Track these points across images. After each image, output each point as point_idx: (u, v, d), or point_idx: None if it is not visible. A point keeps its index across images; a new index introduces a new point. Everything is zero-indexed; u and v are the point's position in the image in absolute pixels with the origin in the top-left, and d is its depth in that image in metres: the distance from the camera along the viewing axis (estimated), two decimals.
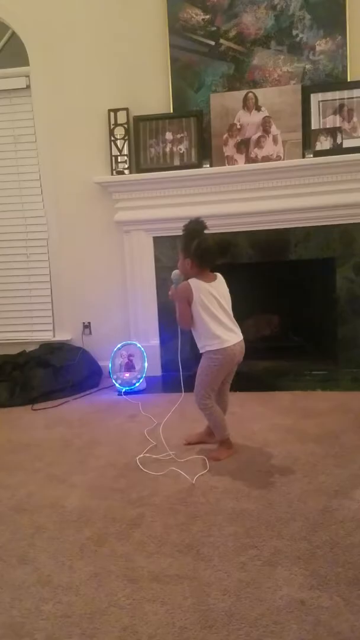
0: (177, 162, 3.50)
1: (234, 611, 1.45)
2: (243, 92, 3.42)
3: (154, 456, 2.41)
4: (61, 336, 3.83)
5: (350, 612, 1.41)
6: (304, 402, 3.07)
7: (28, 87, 3.70)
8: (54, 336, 3.86)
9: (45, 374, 3.47)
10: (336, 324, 3.59)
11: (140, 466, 2.33)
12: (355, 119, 3.41)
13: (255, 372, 3.53)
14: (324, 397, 3.14)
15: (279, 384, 3.35)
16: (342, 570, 1.58)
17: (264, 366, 3.65)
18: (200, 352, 2.38)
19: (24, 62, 3.68)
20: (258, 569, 1.62)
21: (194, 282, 2.33)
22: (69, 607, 1.51)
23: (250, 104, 3.41)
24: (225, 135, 3.41)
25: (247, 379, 3.28)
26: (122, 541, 1.82)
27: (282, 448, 2.47)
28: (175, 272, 2.41)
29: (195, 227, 2.35)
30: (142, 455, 2.42)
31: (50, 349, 3.70)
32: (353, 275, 3.51)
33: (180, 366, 2.56)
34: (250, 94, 3.41)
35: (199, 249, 2.32)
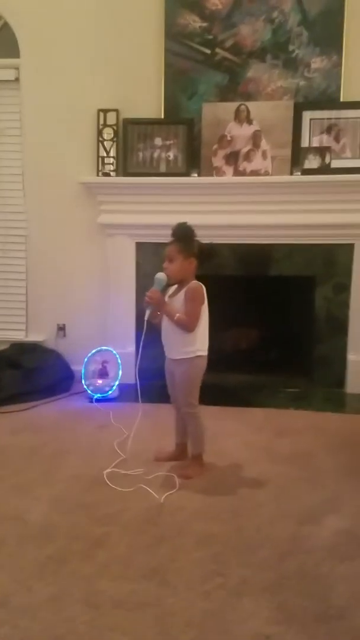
0: (164, 169, 3.45)
1: None
2: (236, 104, 3.39)
3: (123, 471, 2.34)
4: (34, 337, 3.74)
5: None
6: (277, 420, 3.04)
7: (17, 79, 3.61)
8: (26, 336, 3.76)
9: (14, 375, 3.37)
10: (313, 342, 3.58)
11: (108, 481, 2.26)
12: (344, 140, 3.42)
13: (230, 386, 3.50)
14: (297, 415, 3.12)
15: (252, 400, 3.33)
16: (309, 604, 1.55)
17: (239, 380, 3.63)
18: (184, 357, 2.32)
19: (14, 53, 3.58)
20: (223, 599, 1.58)
21: (202, 285, 2.31)
22: (25, 632, 1.44)
23: (242, 117, 3.39)
24: (215, 146, 3.37)
25: (221, 393, 3.26)
26: (85, 562, 1.75)
27: (253, 468, 2.43)
28: (161, 274, 2.32)
29: (191, 229, 2.32)
30: (110, 469, 2.35)
31: (22, 349, 3.60)
32: (332, 295, 3.51)
33: (137, 376, 2.51)
34: (242, 106, 3.38)
35: (201, 249, 2.30)
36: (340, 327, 3.51)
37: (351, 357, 3.53)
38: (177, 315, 2.27)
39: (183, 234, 2.31)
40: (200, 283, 2.33)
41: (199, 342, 2.32)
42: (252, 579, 1.67)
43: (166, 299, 2.36)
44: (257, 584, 1.65)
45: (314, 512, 2.06)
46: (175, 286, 2.36)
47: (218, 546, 1.84)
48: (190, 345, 2.31)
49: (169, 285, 2.36)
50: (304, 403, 3.32)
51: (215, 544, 1.85)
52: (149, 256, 3.53)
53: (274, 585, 1.64)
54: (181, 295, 2.31)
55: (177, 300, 2.32)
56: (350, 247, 3.43)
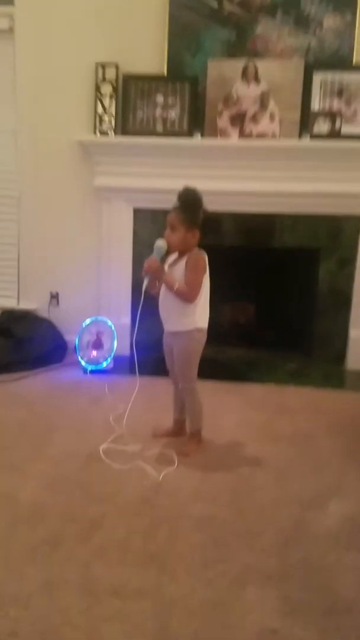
0: (166, 129, 3.26)
1: (200, 638, 1.32)
2: (243, 62, 3.20)
3: (119, 447, 2.25)
4: (26, 304, 3.60)
5: None
6: (276, 396, 2.96)
7: (11, 29, 3.38)
8: (18, 304, 3.62)
9: (4, 344, 3.24)
10: (314, 316, 3.48)
11: (104, 457, 2.17)
12: (355, 105, 3.25)
13: (227, 361, 3.41)
14: (296, 392, 3.04)
15: (251, 375, 3.23)
16: (316, 596, 1.47)
17: (236, 355, 3.54)
18: (182, 329, 2.20)
19: (9, 0, 3.34)
20: (226, 588, 1.50)
21: (205, 254, 2.17)
22: (17, 623, 1.35)
23: (249, 76, 3.20)
24: (220, 106, 3.19)
25: (218, 368, 3.16)
26: (80, 545, 1.66)
27: (253, 447, 2.35)
28: (161, 241, 2.17)
29: (199, 197, 2.16)
30: (106, 445, 2.25)
31: (13, 317, 3.46)
32: (336, 269, 3.39)
33: (134, 349, 2.39)
34: (250, 65, 3.19)
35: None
36: (343, 302, 3.41)
37: (353, 333, 3.43)
38: (177, 284, 2.14)
39: (190, 201, 2.15)
40: (203, 251, 2.19)
41: (199, 314, 2.20)
42: (256, 566, 1.59)
43: (165, 267, 2.22)
44: (260, 572, 1.57)
45: (317, 496, 1.98)
46: (176, 254, 2.22)
47: (219, 530, 1.76)
48: (189, 316, 2.19)
49: (169, 253, 2.22)
50: (304, 379, 3.23)
51: (215, 528, 1.77)
52: (146, 223, 3.38)
53: (278, 574, 1.56)
54: (182, 264, 2.18)
55: (177, 270, 2.19)
56: (358, 218, 3.30)
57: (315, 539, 1.73)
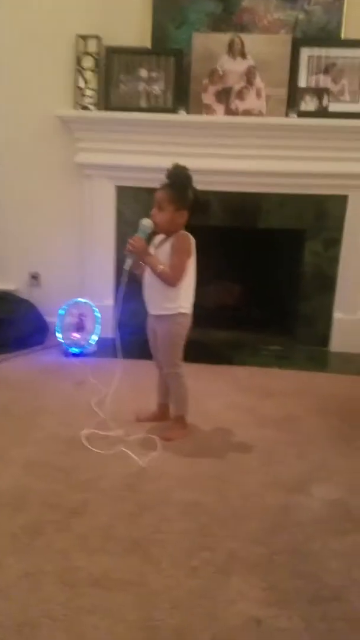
0: (150, 104, 3.16)
1: (184, 629, 1.29)
2: (229, 36, 3.10)
3: (102, 432, 2.20)
4: (4, 285, 3.50)
5: (310, 637, 1.28)
6: (261, 379, 2.93)
7: None
8: None
9: None
10: (299, 298, 3.45)
11: (86, 443, 2.12)
12: (343, 81, 3.17)
13: (212, 343, 3.37)
14: (281, 375, 3.02)
15: (235, 358, 3.20)
16: (302, 584, 1.45)
17: (221, 337, 3.50)
18: (165, 313, 2.14)
19: None
20: (211, 577, 1.47)
21: (191, 237, 2.11)
22: None
23: (235, 50, 3.10)
24: (206, 81, 3.10)
25: (203, 350, 3.12)
26: (61, 533, 1.62)
27: (238, 431, 2.32)
28: (148, 221, 2.10)
29: (189, 175, 2.09)
30: (88, 430, 2.20)
31: None
32: (322, 250, 3.35)
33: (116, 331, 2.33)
34: (236, 39, 3.10)
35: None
36: (328, 284, 3.38)
37: (337, 315, 3.41)
38: (161, 267, 2.07)
39: (179, 180, 2.08)
40: (189, 234, 2.12)
41: (182, 299, 2.14)
42: (241, 553, 1.57)
43: (151, 249, 2.16)
44: (246, 559, 1.54)
45: (303, 480, 1.96)
46: (163, 235, 2.15)
47: (204, 516, 1.73)
48: (172, 301, 2.13)
49: (155, 233, 2.15)
50: (288, 362, 3.21)
51: (200, 514, 1.74)
52: (130, 202, 3.29)
53: (264, 562, 1.53)
54: (167, 245, 2.11)
55: (162, 251, 2.12)
56: (344, 198, 3.25)
57: (300, 525, 1.71)
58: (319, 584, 1.46)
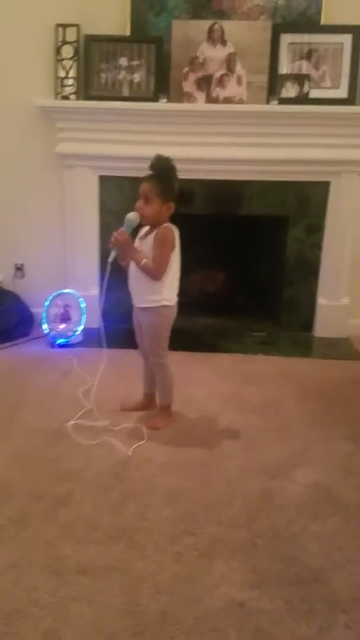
0: (130, 93, 3.14)
1: (168, 614, 1.34)
2: (209, 23, 3.07)
3: (87, 423, 2.22)
4: None
5: (292, 618, 1.33)
6: (245, 365, 2.96)
7: None
8: None
9: None
10: (282, 285, 3.47)
11: (72, 433, 2.15)
12: (324, 68, 3.17)
13: (196, 330, 3.39)
14: (264, 361, 3.05)
15: (219, 345, 3.23)
16: (283, 567, 1.50)
17: (205, 324, 3.52)
18: (149, 305, 2.16)
19: None
20: (194, 562, 1.51)
21: (174, 229, 2.11)
22: None
23: (215, 37, 3.08)
24: (186, 69, 3.08)
25: (187, 338, 3.14)
26: (47, 523, 1.65)
27: (222, 417, 2.36)
28: (134, 214, 2.09)
29: (174, 166, 2.08)
30: (74, 421, 2.23)
31: None
32: (304, 236, 3.37)
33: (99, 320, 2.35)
34: (216, 25, 3.07)
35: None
36: (311, 270, 3.40)
37: (321, 300, 3.44)
38: (144, 261, 2.08)
39: (165, 172, 2.07)
40: (172, 226, 2.13)
41: (166, 291, 2.15)
42: (224, 538, 1.61)
43: (137, 240, 2.17)
44: (228, 544, 1.59)
45: (284, 465, 2.01)
46: (147, 227, 2.16)
47: (187, 503, 1.77)
48: (156, 294, 2.14)
49: (141, 226, 2.16)
50: (272, 348, 3.24)
51: (184, 500, 1.78)
52: (113, 191, 3.28)
53: (246, 546, 1.58)
54: (151, 238, 2.12)
55: (147, 244, 2.13)
56: (326, 185, 3.26)
57: (282, 509, 1.75)
58: (299, 567, 1.50)
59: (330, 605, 1.38)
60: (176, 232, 2.13)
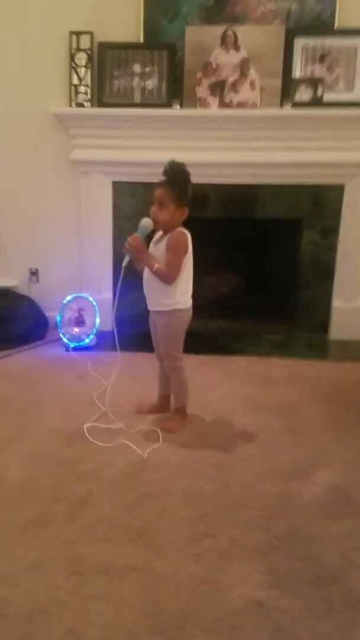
0: (144, 99, 3.17)
1: (188, 612, 1.34)
2: (222, 28, 3.11)
3: (103, 425, 2.24)
4: (4, 282, 3.53)
5: (311, 617, 1.32)
6: (260, 368, 2.97)
7: None
8: None
9: None
10: (297, 287, 3.48)
11: (88, 435, 2.16)
12: (338, 71, 3.18)
13: (211, 333, 3.40)
14: (280, 363, 3.05)
15: (234, 348, 3.24)
16: (302, 566, 1.50)
17: (220, 327, 3.53)
18: (163, 309, 2.18)
19: None
20: (214, 563, 1.51)
21: (187, 233, 2.13)
22: (6, 603, 1.35)
23: (228, 42, 3.11)
24: (200, 75, 3.11)
25: (202, 341, 3.15)
26: (67, 523, 1.66)
27: (238, 420, 2.36)
28: (148, 220, 2.11)
29: (187, 171, 2.10)
30: (90, 423, 2.24)
31: None
32: (319, 239, 3.38)
33: (114, 324, 2.36)
34: (229, 31, 3.10)
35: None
36: (326, 272, 3.40)
37: (336, 303, 3.44)
38: (156, 265, 2.10)
39: (179, 177, 2.08)
40: (185, 231, 2.14)
41: (179, 295, 2.16)
42: (242, 539, 1.61)
43: (151, 245, 2.18)
44: (247, 545, 1.59)
45: (302, 466, 2.00)
46: (161, 232, 2.18)
47: (205, 504, 1.77)
48: (169, 297, 2.15)
49: (154, 231, 2.18)
50: (287, 350, 3.24)
51: (202, 502, 1.78)
52: (126, 197, 3.32)
53: (264, 547, 1.58)
54: (164, 242, 2.13)
55: (160, 248, 2.15)
56: (341, 187, 3.27)
57: (300, 510, 1.75)
58: (318, 567, 1.50)
59: (349, 604, 1.37)
60: (188, 237, 2.14)
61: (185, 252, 2.13)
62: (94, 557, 1.53)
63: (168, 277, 2.12)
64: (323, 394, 2.65)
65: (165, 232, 2.15)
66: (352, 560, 1.52)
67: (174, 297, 2.16)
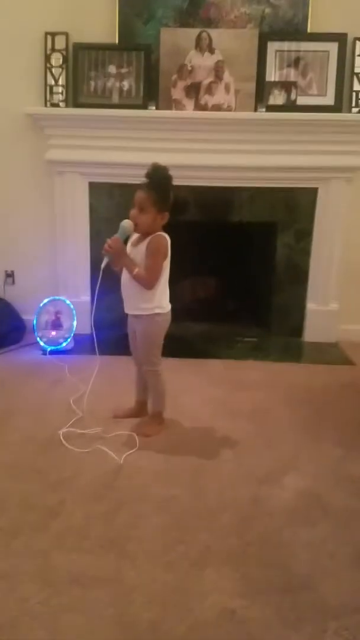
0: (119, 100, 3.15)
1: (160, 623, 1.35)
2: (196, 31, 3.10)
3: (79, 430, 2.23)
4: None
5: (282, 626, 1.34)
6: (236, 372, 2.98)
7: None
8: None
9: None
10: (272, 290, 3.50)
11: (64, 441, 2.15)
12: (311, 75, 3.20)
13: (187, 337, 3.40)
14: (255, 367, 3.06)
15: (211, 351, 3.25)
16: (273, 574, 1.51)
17: (196, 330, 3.53)
18: (142, 313, 2.17)
19: None
20: (186, 571, 1.52)
21: (167, 237, 2.12)
22: None
23: (203, 45, 3.10)
24: (175, 77, 3.10)
25: (179, 344, 3.15)
26: (38, 533, 1.66)
27: (213, 424, 2.37)
28: (129, 222, 2.09)
29: (169, 175, 2.08)
30: (66, 429, 2.23)
31: None
32: (293, 242, 3.40)
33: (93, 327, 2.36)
34: (204, 34, 3.09)
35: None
36: (300, 275, 3.42)
37: (310, 305, 3.47)
38: (136, 270, 2.09)
39: (161, 182, 2.07)
40: (165, 235, 2.13)
41: (158, 299, 2.16)
42: (215, 546, 1.62)
43: (129, 246, 2.17)
44: (219, 552, 1.60)
45: (274, 471, 2.02)
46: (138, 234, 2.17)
47: (179, 511, 1.78)
48: (148, 302, 2.15)
49: (139, 233, 2.16)
50: (262, 353, 3.26)
51: (175, 509, 1.79)
52: (103, 198, 3.29)
53: (236, 554, 1.59)
54: (144, 246, 2.12)
55: (139, 251, 2.12)
56: (314, 191, 3.29)
57: (272, 515, 1.77)
58: (289, 574, 1.52)
59: (320, 612, 1.40)
60: (168, 241, 2.14)
61: (166, 256, 2.13)
62: (65, 567, 1.53)
63: (148, 282, 2.11)
64: (297, 397, 2.68)
65: (145, 235, 2.13)
66: (323, 566, 1.55)
67: (153, 301, 2.15)
